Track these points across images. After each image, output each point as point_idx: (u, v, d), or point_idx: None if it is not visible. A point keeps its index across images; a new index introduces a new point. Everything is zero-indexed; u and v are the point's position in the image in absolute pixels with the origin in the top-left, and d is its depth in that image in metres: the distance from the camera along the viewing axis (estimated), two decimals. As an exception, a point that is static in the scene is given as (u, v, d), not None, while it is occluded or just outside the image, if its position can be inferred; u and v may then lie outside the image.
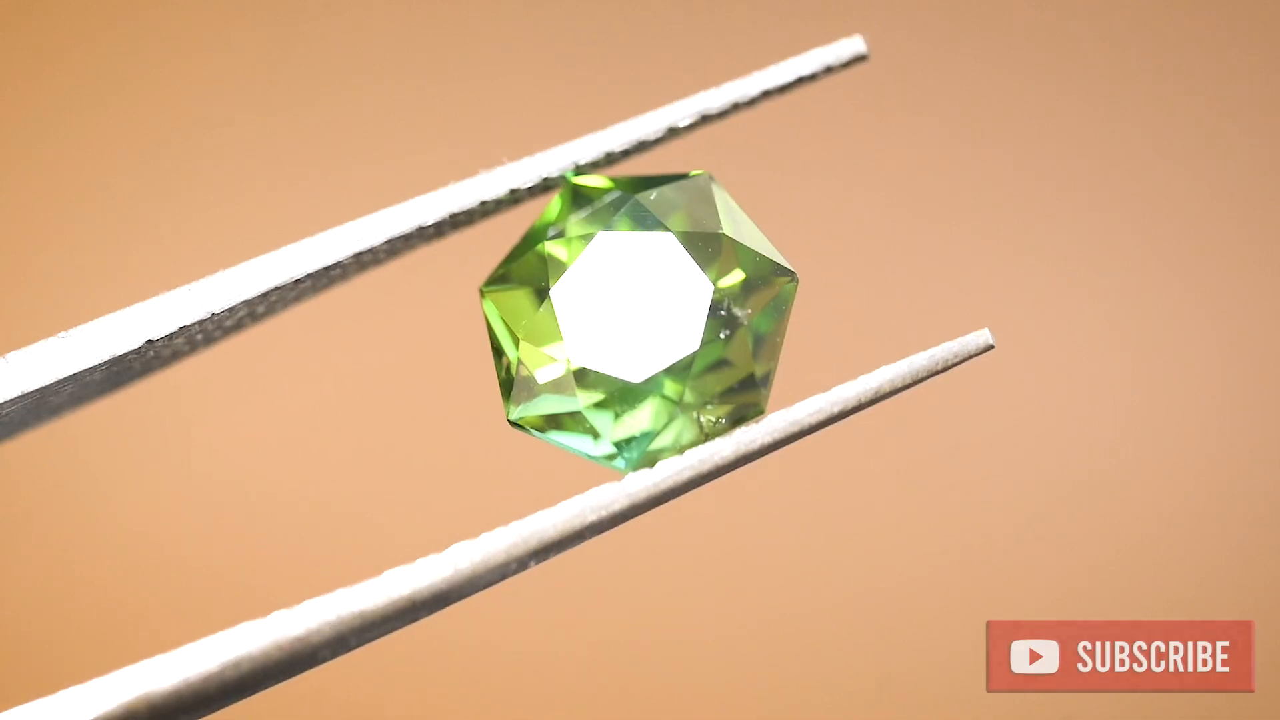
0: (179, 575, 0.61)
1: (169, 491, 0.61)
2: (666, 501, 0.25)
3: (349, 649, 0.22)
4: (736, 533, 0.61)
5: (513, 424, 0.25)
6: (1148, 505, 0.61)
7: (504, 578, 0.23)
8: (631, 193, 0.25)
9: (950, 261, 0.62)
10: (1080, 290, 0.62)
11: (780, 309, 0.25)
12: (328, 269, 0.24)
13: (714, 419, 0.25)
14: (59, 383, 0.21)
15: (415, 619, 0.22)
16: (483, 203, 0.25)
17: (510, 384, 0.25)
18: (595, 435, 0.25)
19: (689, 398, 0.24)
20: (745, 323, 0.24)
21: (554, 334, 0.24)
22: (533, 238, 0.25)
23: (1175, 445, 0.61)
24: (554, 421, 0.25)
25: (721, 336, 0.24)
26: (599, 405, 0.24)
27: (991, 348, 0.26)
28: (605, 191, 0.25)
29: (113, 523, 0.61)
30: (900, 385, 0.26)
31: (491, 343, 0.26)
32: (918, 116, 0.62)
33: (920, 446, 0.59)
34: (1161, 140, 0.62)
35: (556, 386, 0.25)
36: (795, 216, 0.61)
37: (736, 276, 0.25)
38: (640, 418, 0.24)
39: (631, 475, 0.24)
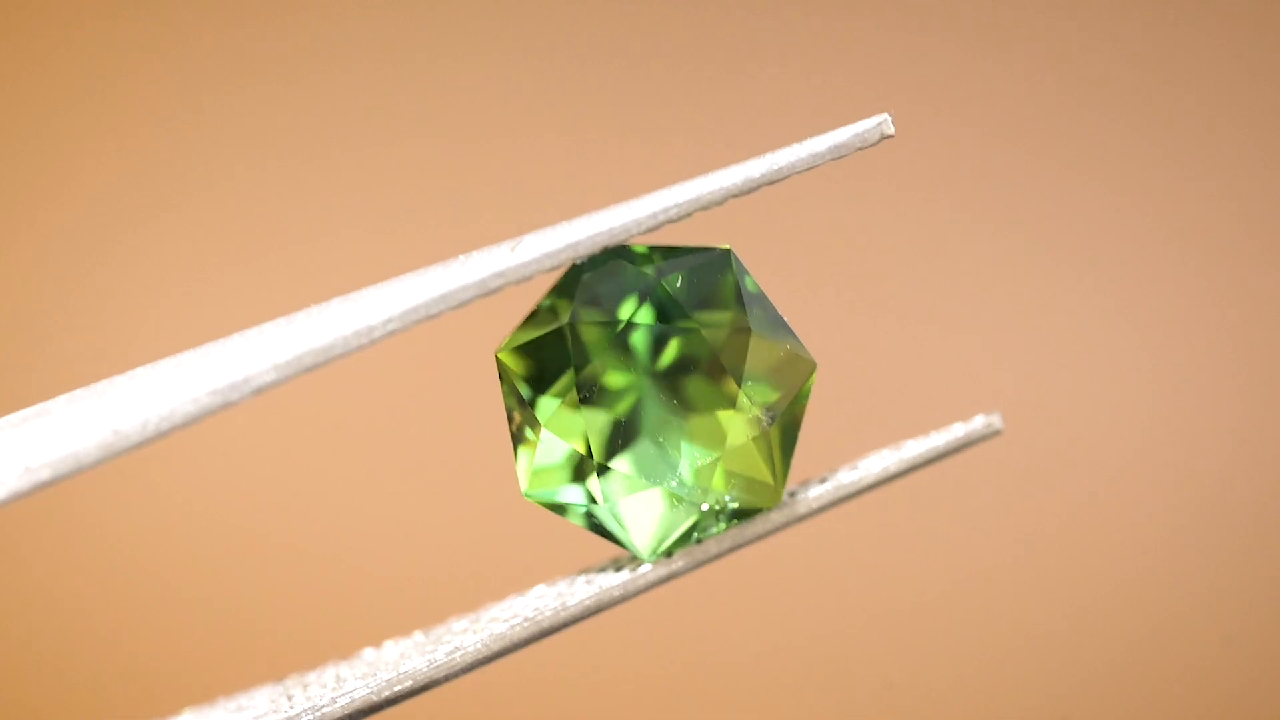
0: (184, 627, 0.61)
1: (179, 544, 0.62)
2: (679, 577, 0.25)
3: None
4: (750, 569, 0.61)
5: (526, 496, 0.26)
6: (1164, 570, 0.61)
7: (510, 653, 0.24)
8: (650, 266, 0.25)
9: (960, 337, 0.62)
10: (1096, 360, 0.62)
11: (799, 399, 0.25)
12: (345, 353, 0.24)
13: (730, 510, 0.25)
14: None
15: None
16: (505, 284, 0.25)
17: (524, 453, 0.25)
18: (608, 519, 0.25)
19: (706, 490, 0.25)
20: (766, 422, 0.25)
21: (572, 419, 0.25)
22: (551, 307, 0.26)
23: (1197, 515, 0.62)
24: (567, 500, 0.25)
25: (742, 432, 0.25)
26: (614, 489, 0.25)
27: (999, 433, 0.27)
28: (624, 267, 0.25)
29: (118, 579, 0.62)
30: (910, 469, 0.26)
31: (507, 409, 0.26)
32: (930, 190, 0.62)
33: (939, 478, 0.60)
34: (1181, 216, 0.62)
35: (571, 467, 0.25)
36: (805, 283, 0.61)
37: (757, 367, 0.25)
38: (654, 505, 0.25)
39: (646, 566, 0.24)
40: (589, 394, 0.25)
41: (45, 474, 0.20)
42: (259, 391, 0.23)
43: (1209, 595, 0.61)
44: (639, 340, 0.25)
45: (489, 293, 0.26)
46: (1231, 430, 0.62)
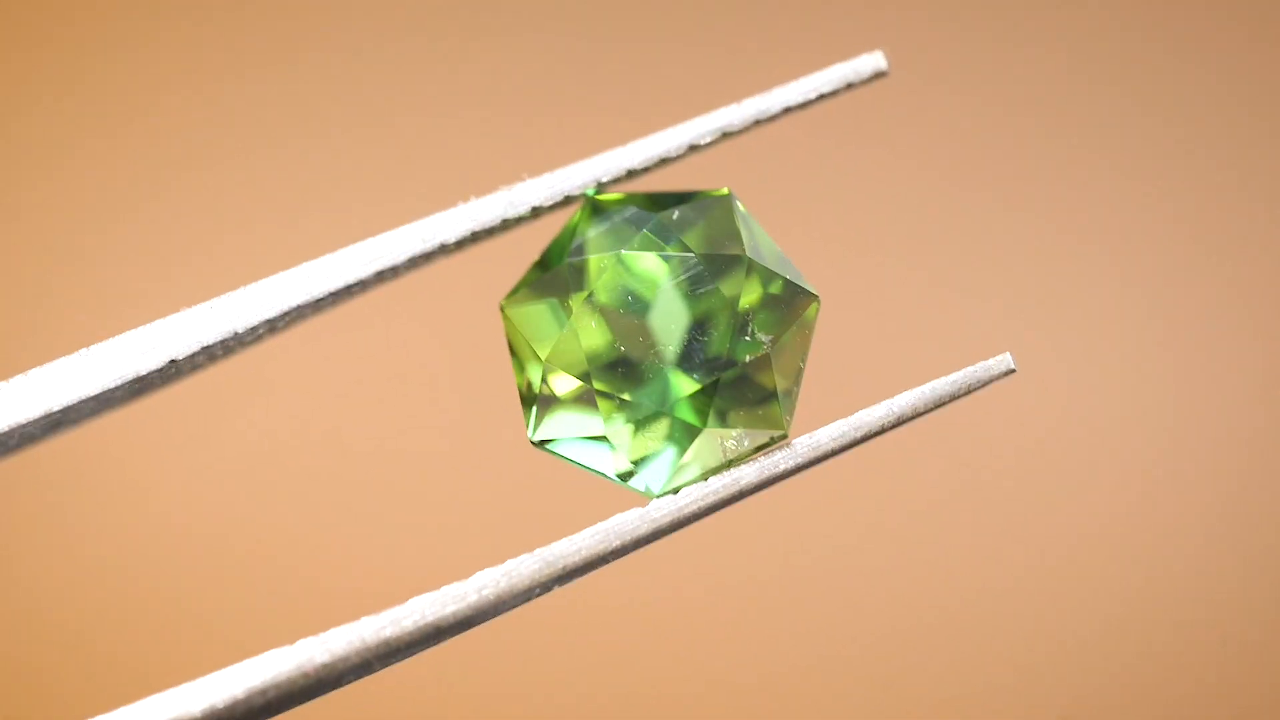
0: (195, 587, 0.61)
1: (186, 503, 0.61)
2: (689, 525, 0.25)
3: (372, 672, 0.22)
4: (754, 548, 0.60)
5: (535, 444, 0.25)
6: (1174, 520, 0.61)
7: (528, 601, 0.23)
8: (653, 210, 0.25)
9: (972, 280, 0.61)
10: (1107, 308, 0.62)
11: (802, 331, 0.25)
12: (349, 286, 0.24)
13: (736, 443, 0.25)
14: (82, 401, 0.21)
15: (438, 643, 0.22)
16: (505, 220, 0.25)
17: (532, 402, 0.25)
18: (617, 457, 0.25)
19: (711, 421, 0.24)
20: (767, 345, 0.24)
21: (576, 353, 0.24)
22: (554, 253, 0.25)
23: (1205, 463, 0.61)
24: (576, 442, 0.25)
25: (745, 359, 0.24)
26: (621, 426, 0.24)
27: (1013, 372, 0.26)
28: (626, 208, 0.25)
29: (131, 535, 0.61)
30: (922, 409, 0.26)
31: (513, 359, 0.25)
32: (938, 132, 0.62)
33: (943, 466, 0.59)
34: (1195, 156, 0.62)
35: (579, 407, 0.25)
36: (814, 232, 0.61)
37: (757, 298, 0.25)
38: (662, 440, 0.24)
39: (656, 501, 0.24)
40: (592, 334, 0.24)
41: (56, 404, 0.19)
42: (255, 329, 0.22)
43: (1212, 589, 0.61)
44: (641, 277, 0.24)
45: (484, 228, 0.25)
46: (1244, 402, 0.61)
